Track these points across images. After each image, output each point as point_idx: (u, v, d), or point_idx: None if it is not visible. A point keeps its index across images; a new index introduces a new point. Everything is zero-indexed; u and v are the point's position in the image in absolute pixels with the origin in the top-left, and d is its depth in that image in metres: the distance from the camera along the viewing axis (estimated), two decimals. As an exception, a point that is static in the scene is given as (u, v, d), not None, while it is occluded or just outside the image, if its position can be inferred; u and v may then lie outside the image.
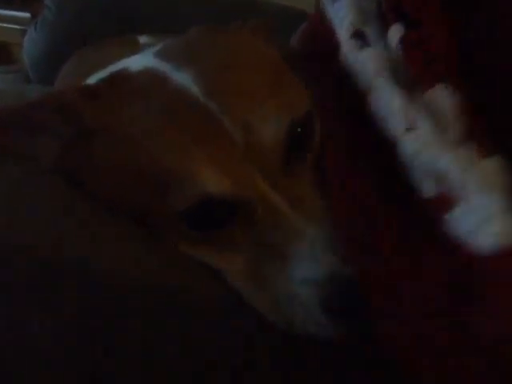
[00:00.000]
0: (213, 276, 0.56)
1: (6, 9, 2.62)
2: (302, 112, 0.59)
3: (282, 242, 0.54)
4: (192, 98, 0.56)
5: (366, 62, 0.59)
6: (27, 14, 2.10)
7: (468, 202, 0.50)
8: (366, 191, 0.56)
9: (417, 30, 0.57)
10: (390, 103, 0.56)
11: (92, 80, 0.74)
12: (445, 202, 0.51)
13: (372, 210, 0.55)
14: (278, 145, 0.56)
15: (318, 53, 0.68)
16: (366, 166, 0.57)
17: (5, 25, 2.57)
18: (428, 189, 0.52)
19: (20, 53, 1.89)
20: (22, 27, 2.33)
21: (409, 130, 0.54)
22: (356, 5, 0.63)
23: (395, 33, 0.58)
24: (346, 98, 0.61)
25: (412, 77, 0.56)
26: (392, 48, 0.58)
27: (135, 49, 1.02)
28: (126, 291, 0.50)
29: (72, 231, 0.54)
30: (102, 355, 0.48)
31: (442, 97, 0.54)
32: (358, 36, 0.61)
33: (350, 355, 0.51)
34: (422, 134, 0.53)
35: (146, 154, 0.56)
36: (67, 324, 0.48)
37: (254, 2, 1.71)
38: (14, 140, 0.62)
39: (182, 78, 0.58)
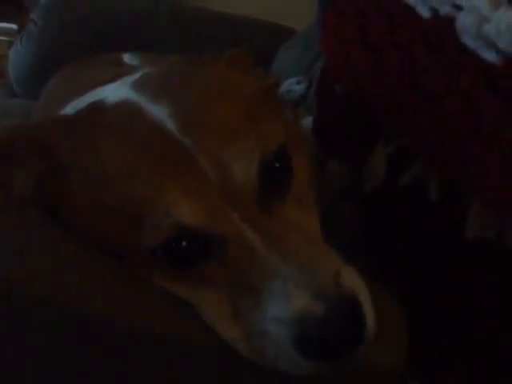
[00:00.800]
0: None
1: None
2: (276, 146, 0.59)
3: (255, 279, 0.54)
4: (167, 134, 0.56)
5: None
6: (14, 26, 2.09)
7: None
8: None
9: None
10: None
11: (69, 109, 0.74)
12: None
13: None
14: (251, 181, 0.56)
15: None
16: None
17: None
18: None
19: (5, 65, 1.88)
20: (9, 39, 2.32)
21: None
22: None
23: None
24: None
25: None
26: None
27: (119, 70, 1.02)
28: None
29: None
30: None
31: None
32: None
33: None
34: None
35: (119, 191, 0.56)
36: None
37: (227, 18, 1.71)
38: None
39: (158, 111, 0.58)
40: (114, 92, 0.66)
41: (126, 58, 1.24)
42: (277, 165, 0.58)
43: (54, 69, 1.32)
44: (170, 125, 0.57)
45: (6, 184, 0.61)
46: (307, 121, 0.71)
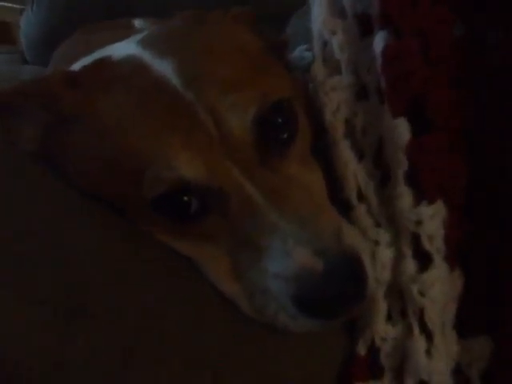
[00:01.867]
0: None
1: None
2: (278, 102, 0.58)
3: (255, 234, 0.53)
4: (171, 87, 0.56)
5: None
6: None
7: None
8: None
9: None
10: None
11: (77, 66, 0.73)
12: None
13: None
14: (246, 133, 0.56)
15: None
16: None
17: (4, 4, 2.55)
18: None
19: (18, 32, 1.88)
20: (21, 6, 2.32)
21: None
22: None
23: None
24: None
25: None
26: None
27: (129, 33, 1.01)
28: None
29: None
30: None
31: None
32: None
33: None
34: None
35: (122, 142, 0.56)
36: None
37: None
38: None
39: (163, 66, 0.58)
40: (121, 49, 0.66)
41: (137, 23, 1.24)
42: (279, 120, 0.58)
43: (65, 35, 1.32)
44: (174, 79, 0.57)
45: (15, 137, 0.62)
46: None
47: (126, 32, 1.04)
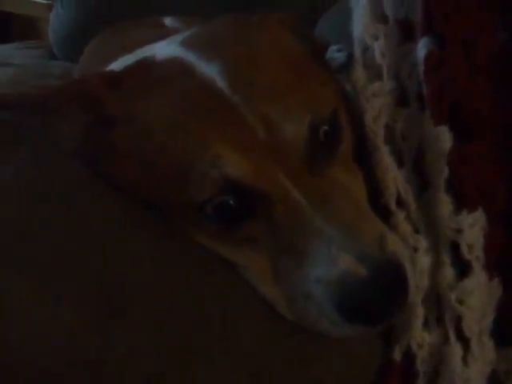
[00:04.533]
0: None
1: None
2: (326, 109, 0.59)
3: (299, 239, 0.54)
4: (217, 90, 0.56)
5: None
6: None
7: None
8: None
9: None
10: None
11: (117, 65, 0.74)
12: None
13: None
14: (299, 142, 0.56)
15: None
16: None
17: (32, -1, 2.57)
18: None
19: (46, 27, 1.89)
20: (48, 1, 2.33)
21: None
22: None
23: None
24: None
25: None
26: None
27: (161, 31, 1.02)
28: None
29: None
30: None
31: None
32: None
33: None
34: None
35: (168, 144, 0.56)
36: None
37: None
38: (36, 125, 0.62)
39: (209, 69, 0.58)
40: (163, 49, 0.66)
41: (167, 21, 1.24)
42: (326, 127, 0.58)
43: (94, 32, 1.33)
44: (220, 82, 0.57)
45: (56, 137, 0.62)
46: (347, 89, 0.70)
47: (158, 31, 1.05)
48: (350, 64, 0.70)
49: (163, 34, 0.84)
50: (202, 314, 0.54)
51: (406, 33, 0.63)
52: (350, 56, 0.78)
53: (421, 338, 0.57)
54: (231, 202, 0.55)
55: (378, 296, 0.51)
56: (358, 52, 0.67)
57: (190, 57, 0.60)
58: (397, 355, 0.58)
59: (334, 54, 1.01)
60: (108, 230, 0.55)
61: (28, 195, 0.54)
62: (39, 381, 0.46)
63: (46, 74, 1.47)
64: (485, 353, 0.57)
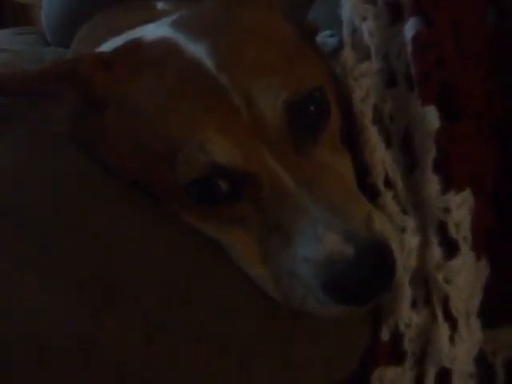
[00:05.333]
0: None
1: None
2: (310, 88, 0.58)
3: (286, 219, 0.54)
4: (205, 71, 0.56)
5: None
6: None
7: None
8: None
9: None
10: None
11: (107, 47, 0.74)
12: None
13: None
14: (277, 117, 0.55)
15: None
16: None
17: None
18: None
19: (38, 13, 1.88)
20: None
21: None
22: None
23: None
24: None
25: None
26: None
27: (152, 15, 1.01)
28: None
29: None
30: None
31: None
32: None
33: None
34: None
35: (156, 125, 0.56)
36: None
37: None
38: (26, 105, 0.62)
39: (197, 49, 0.58)
40: (152, 31, 0.67)
41: (159, 5, 1.24)
42: (312, 107, 0.58)
43: (87, 18, 1.32)
44: (208, 62, 0.57)
45: (44, 118, 0.62)
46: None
47: (149, 14, 1.04)
48: (342, 48, 0.70)
49: (154, 17, 0.83)
50: (188, 298, 0.54)
51: (394, 13, 0.64)
52: (342, 40, 0.78)
53: (408, 317, 0.58)
54: (218, 183, 0.55)
55: (364, 276, 0.51)
56: (346, 33, 0.67)
57: (179, 37, 0.60)
58: (384, 335, 0.58)
59: (327, 39, 1.01)
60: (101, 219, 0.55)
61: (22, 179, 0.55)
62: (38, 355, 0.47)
63: (38, 59, 1.46)
64: (472, 333, 0.58)
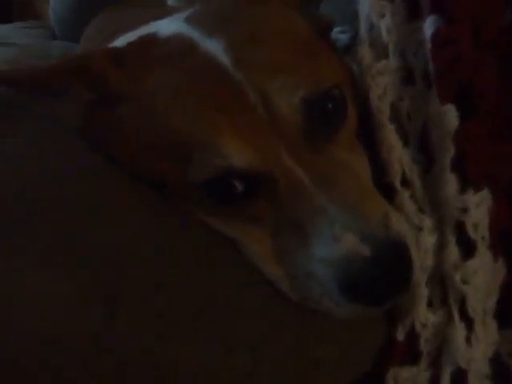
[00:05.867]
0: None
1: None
2: (327, 85, 0.58)
3: (303, 219, 0.53)
4: (221, 68, 0.56)
5: None
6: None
7: None
8: None
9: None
10: None
11: (120, 42, 0.73)
12: None
13: None
14: (294, 115, 0.55)
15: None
16: None
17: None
18: None
19: (45, 7, 1.88)
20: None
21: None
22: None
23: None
24: None
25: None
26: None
27: (163, 10, 1.01)
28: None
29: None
30: None
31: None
32: None
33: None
34: None
35: (170, 123, 0.56)
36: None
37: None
38: (39, 101, 0.62)
39: (213, 46, 0.57)
40: (167, 26, 0.66)
41: (170, 1, 1.23)
42: (329, 105, 0.58)
43: (95, 11, 1.31)
44: (224, 59, 0.56)
45: (56, 113, 0.62)
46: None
47: (160, 10, 1.04)
48: (354, 45, 0.69)
49: (165, 13, 0.83)
50: (204, 293, 0.54)
51: (411, 10, 0.63)
52: (354, 37, 0.77)
53: (425, 317, 0.57)
54: (234, 183, 0.55)
55: (381, 276, 0.51)
56: (363, 30, 0.66)
57: (194, 33, 0.60)
58: (400, 335, 0.58)
59: (338, 35, 1.01)
60: (110, 209, 0.55)
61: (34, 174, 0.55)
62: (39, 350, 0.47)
63: (46, 54, 1.46)
64: (488, 333, 0.57)
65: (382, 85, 0.62)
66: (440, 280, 0.58)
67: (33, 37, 1.65)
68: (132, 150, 0.58)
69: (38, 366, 0.47)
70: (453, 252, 0.57)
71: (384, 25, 0.64)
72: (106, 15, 1.25)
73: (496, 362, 0.58)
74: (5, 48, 1.42)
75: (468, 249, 0.57)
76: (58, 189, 0.55)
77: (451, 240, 0.57)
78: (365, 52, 0.64)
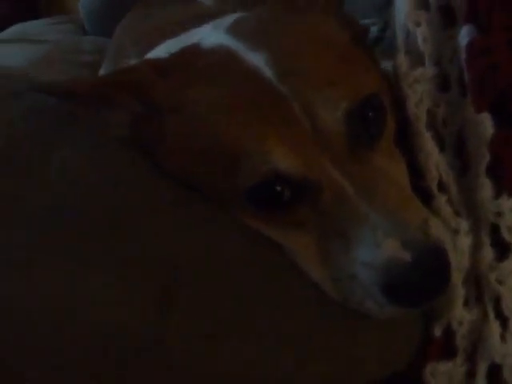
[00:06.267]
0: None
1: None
2: (368, 95, 0.60)
3: (346, 225, 0.56)
4: (265, 80, 0.58)
5: None
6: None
7: None
8: None
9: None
10: None
11: (161, 50, 0.76)
12: None
13: None
14: (338, 128, 0.57)
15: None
16: None
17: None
18: None
19: (73, 2, 1.90)
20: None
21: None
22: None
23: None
24: None
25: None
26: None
27: (195, 9, 1.03)
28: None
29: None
30: None
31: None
32: None
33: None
34: None
35: (216, 133, 0.58)
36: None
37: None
38: (89, 111, 0.64)
39: (256, 58, 0.59)
40: (209, 36, 0.68)
41: (203, -1, 1.25)
42: (370, 114, 0.60)
43: (125, 5, 1.34)
44: (267, 72, 0.58)
45: (104, 124, 0.65)
46: (384, 65, 0.72)
47: (193, 9, 1.06)
48: (383, 37, 0.71)
49: (198, 11, 0.85)
50: (249, 292, 0.57)
51: (447, 18, 0.65)
52: (383, 29, 0.78)
53: (461, 316, 0.60)
54: (278, 188, 0.57)
55: (421, 280, 0.53)
56: (400, 38, 0.68)
57: (237, 46, 0.62)
58: (437, 331, 0.60)
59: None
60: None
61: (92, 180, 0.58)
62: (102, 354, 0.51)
63: (78, 49, 1.49)
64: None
65: (419, 92, 0.64)
66: (476, 280, 0.60)
67: (63, 32, 1.68)
68: (180, 159, 0.61)
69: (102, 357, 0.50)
70: (488, 253, 0.59)
71: (420, 33, 0.65)
72: (140, 11, 1.27)
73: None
74: (38, 45, 1.45)
75: (503, 251, 0.59)
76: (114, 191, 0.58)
77: (486, 242, 0.59)
78: (401, 60, 0.66)
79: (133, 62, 0.81)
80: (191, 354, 0.53)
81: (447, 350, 0.60)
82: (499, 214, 0.59)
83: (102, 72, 1.23)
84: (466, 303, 0.61)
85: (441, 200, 0.61)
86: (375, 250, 0.54)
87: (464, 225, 0.60)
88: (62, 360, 0.50)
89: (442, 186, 0.62)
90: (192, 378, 0.54)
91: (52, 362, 0.50)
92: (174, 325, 0.52)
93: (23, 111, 0.62)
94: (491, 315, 0.59)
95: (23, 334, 0.49)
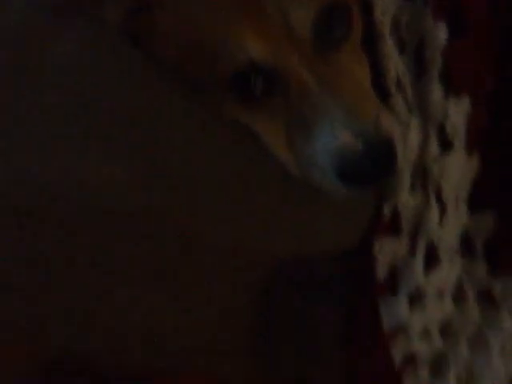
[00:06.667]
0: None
1: None
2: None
3: (309, 117, 0.64)
4: None
5: None
6: None
7: None
8: None
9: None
10: None
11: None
12: None
13: None
14: (307, 28, 0.63)
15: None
16: None
17: None
18: None
19: None
20: None
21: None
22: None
23: None
24: None
25: None
26: None
27: None
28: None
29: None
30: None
31: None
32: None
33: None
34: None
35: (200, 26, 0.64)
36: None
37: None
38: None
39: None
40: None
41: None
42: (338, 16, 0.66)
43: None
44: None
45: (99, 16, 0.68)
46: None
47: None
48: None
49: None
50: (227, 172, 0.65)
51: None
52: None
53: (406, 199, 0.69)
54: (253, 80, 0.64)
55: (369, 165, 0.62)
56: None
57: None
58: (386, 211, 0.69)
59: None
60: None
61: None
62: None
63: None
64: (459, 217, 0.70)
65: (386, 0, 0.70)
66: (422, 171, 0.69)
67: None
68: (168, 51, 0.66)
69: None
70: (434, 148, 0.68)
71: None
72: None
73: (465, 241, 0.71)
74: None
75: (445, 147, 0.68)
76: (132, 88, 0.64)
77: (433, 139, 0.68)
78: None
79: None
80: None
81: (393, 229, 0.70)
82: (446, 114, 0.67)
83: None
84: (413, 190, 0.70)
85: (397, 98, 0.68)
86: (332, 139, 0.62)
87: (414, 121, 0.68)
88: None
89: (399, 86, 0.69)
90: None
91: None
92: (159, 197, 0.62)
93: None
94: (433, 201, 0.68)
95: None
